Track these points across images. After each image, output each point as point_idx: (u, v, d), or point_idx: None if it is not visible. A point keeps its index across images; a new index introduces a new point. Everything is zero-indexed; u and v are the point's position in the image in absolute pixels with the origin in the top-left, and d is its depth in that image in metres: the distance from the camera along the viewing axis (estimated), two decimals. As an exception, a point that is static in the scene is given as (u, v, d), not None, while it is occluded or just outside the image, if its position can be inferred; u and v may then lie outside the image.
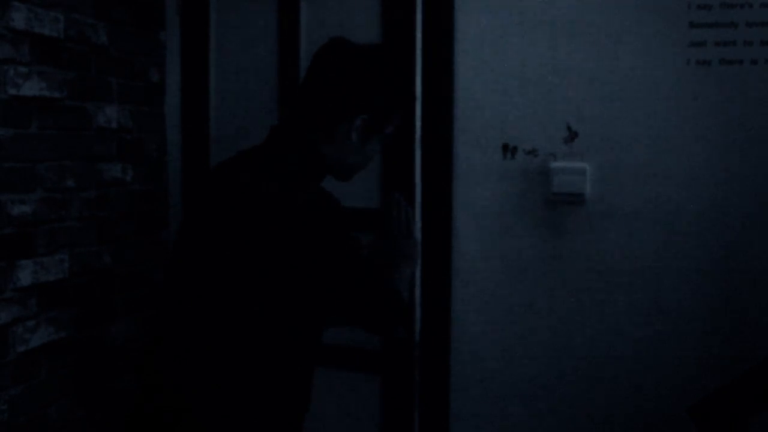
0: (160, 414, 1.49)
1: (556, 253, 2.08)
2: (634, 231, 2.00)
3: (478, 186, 2.15)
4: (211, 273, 1.48)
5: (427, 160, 2.19)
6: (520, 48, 2.08)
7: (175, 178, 2.54)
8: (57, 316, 2.08)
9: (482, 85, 2.12)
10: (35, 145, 1.99)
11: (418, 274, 2.19)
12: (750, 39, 1.88)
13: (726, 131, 1.91)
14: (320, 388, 2.32)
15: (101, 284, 2.25)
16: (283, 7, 2.35)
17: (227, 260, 1.46)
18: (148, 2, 2.44)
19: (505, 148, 2.12)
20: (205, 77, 2.48)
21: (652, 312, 2.00)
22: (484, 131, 2.13)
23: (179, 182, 2.54)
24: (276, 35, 2.38)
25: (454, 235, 2.18)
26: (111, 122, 2.27)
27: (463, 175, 2.16)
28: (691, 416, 1.73)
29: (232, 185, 1.53)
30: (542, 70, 2.06)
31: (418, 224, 2.18)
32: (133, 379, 1.54)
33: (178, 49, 2.51)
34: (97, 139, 2.22)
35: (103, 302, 2.26)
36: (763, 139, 1.89)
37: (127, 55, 2.34)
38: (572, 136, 2.05)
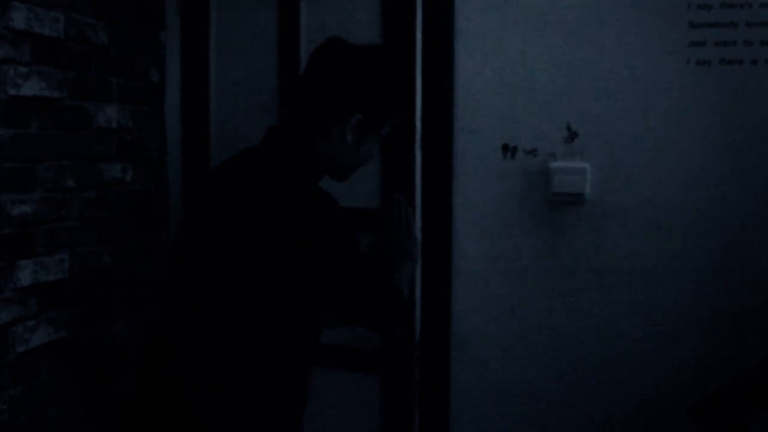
0: (159, 413, 1.49)
1: (556, 253, 2.08)
2: (634, 231, 2.00)
3: (478, 186, 2.15)
4: (210, 272, 1.48)
5: (427, 160, 2.19)
6: (521, 48, 2.08)
7: (175, 178, 2.54)
8: (57, 316, 2.08)
9: (482, 84, 2.12)
10: (35, 145, 1.99)
11: (418, 273, 2.19)
12: (750, 39, 1.88)
13: (726, 131, 1.91)
14: (320, 387, 2.33)
15: (101, 284, 2.25)
16: (283, 7, 2.35)
17: (226, 260, 1.46)
18: (148, 2, 2.44)
19: (505, 148, 2.12)
20: (205, 77, 2.48)
21: (651, 312, 2.00)
22: (484, 131, 2.13)
23: (179, 182, 2.54)
24: (276, 35, 2.38)
25: (454, 234, 2.18)
26: (111, 122, 2.27)
27: (463, 175, 2.16)
28: (691, 416, 1.73)
29: (230, 186, 1.53)
30: (542, 70, 2.06)
31: (418, 224, 2.18)
32: (133, 379, 1.54)
33: (178, 49, 2.51)
34: (97, 139, 2.22)
35: (103, 302, 2.26)
36: (763, 139, 1.89)
37: (127, 55, 2.34)
38: (572, 136, 2.05)
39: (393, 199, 1.77)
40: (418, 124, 2.18)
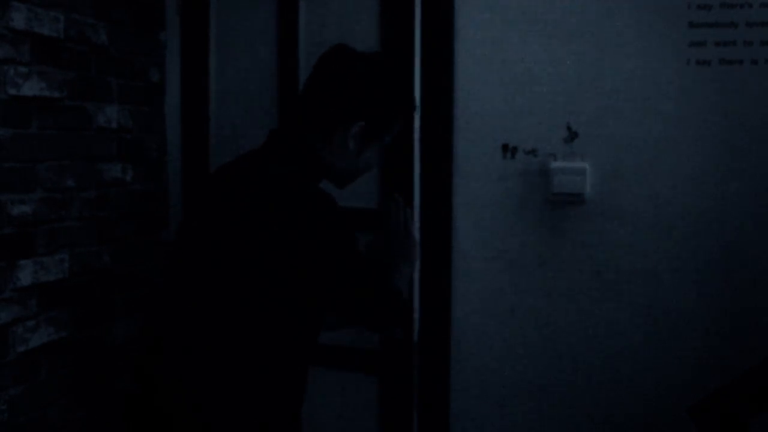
0: (158, 412, 1.49)
1: (556, 253, 2.08)
2: (634, 231, 2.00)
3: (478, 186, 2.15)
4: (209, 272, 1.49)
5: (427, 159, 2.19)
6: (521, 48, 2.08)
7: (175, 178, 2.54)
8: (57, 316, 2.08)
9: (482, 84, 2.12)
10: (35, 145, 1.99)
11: (417, 274, 2.19)
12: (750, 39, 1.88)
13: (726, 131, 1.91)
14: (319, 388, 2.33)
15: (101, 284, 2.25)
16: (282, 8, 2.35)
17: (225, 259, 1.47)
18: (148, 2, 2.44)
19: (505, 148, 2.12)
20: (205, 77, 2.48)
21: (651, 312, 2.00)
22: (484, 131, 2.13)
23: (179, 182, 2.54)
24: (275, 35, 2.38)
25: (454, 234, 2.18)
26: (111, 122, 2.27)
27: (462, 175, 2.16)
28: (691, 416, 1.72)
29: (229, 186, 1.54)
30: (542, 70, 2.06)
31: (417, 224, 2.18)
32: (133, 379, 1.54)
33: (178, 49, 2.51)
34: (97, 139, 2.22)
35: (103, 302, 2.26)
36: (763, 139, 1.89)
37: (127, 55, 2.34)
38: (572, 136, 2.05)
39: (392, 200, 1.77)
40: (418, 123, 2.18)
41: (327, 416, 2.36)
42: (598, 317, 2.05)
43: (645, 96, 1.97)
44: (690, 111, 1.94)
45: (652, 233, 1.99)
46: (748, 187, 1.91)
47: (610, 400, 2.05)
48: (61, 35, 2.06)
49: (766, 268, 1.91)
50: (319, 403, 2.35)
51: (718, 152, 1.92)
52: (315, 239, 1.45)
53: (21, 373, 1.96)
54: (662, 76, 1.95)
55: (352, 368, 2.33)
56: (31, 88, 1.96)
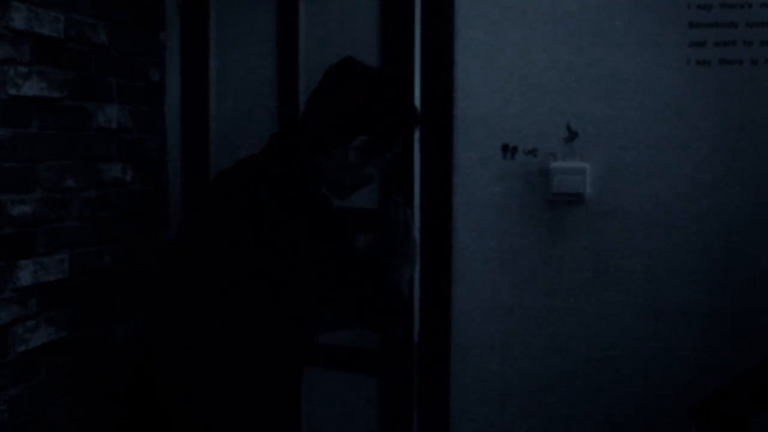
0: (158, 412, 1.49)
1: (556, 253, 2.08)
2: (634, 231, 2.00)
3: (478, 186, 2.15)
4: (206, 272, 1.49)
5: (427, 159, 2.19)
6: (521, 48, 2.08)
7: (175, 178, 2.54)
8: (57, 316, 2.08)
9: (482, 84, 2.12)
10: (35, 145, 1.99)
11: (417, 274, 2.19)
12: (750, 39, 1.88)
13: (726, 131, 1.91)
14: (319, 388, 2.33)
15: (101, 284, 2.25)
16: (282, 8, 2.35)
17: (222, 259, 1.48)
18: (148, 2, 2.44)
19: (505, 148, 2.12)
20: (205, 77, 2.48)
21: (652, 312, 2.00)
22: (484, 131, 2.13)
23: (179, 182, 2.54)
24: (275, 35, 2.38)
25: (454, 235, 2.18)
26: (111, 122, 2.27)
27: (462, 175, 2.16)
28: (691, 416, 1.73)
29: (229, 188, 1.55)
30: (542, 70, 2.06)
31: (417, 224, 2.18)
32: (133, 379, 1.55)
33: (178, 49, 2.51)
34: (97, 139, 2.22)
35: (103, 302, 2.26)
36: (763, 139, 1.89)
37: (127, 55, 2.34)
38: (572, 136, 2.05)
39: (392, 200, 1.77)
40: (418, 124, 2.18)
41: (327, 416, 2.36)
42: (598, 317, 2.05)
43: (645, 96, 1.97)
44: (690, 111, 1.94)
45: (652, 233, 1.99)
46: (748, 187, 1.91)
47: (610, 400, 2.05)
48: (61, 35, 2.06)
49: (766, 268, 1.91)
50: (319, 403, 2.35)
51: (718, 152, 1.92)
52: (312, 239, 1.46)
53: (21, 373, 1.96)
54: (662, 76, 1.95)
55: (352, 368, 2.33)
56: (31, 88, 1.96)
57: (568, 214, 2.07)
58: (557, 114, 2.06)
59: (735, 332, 1.93)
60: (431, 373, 2.22)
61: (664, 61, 1.95)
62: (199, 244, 1.53)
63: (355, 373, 2.33)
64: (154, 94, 2.49)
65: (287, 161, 1.56)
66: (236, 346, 1.47)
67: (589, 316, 2.06)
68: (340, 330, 1.80)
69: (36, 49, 1.97)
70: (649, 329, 2.01)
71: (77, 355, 2.16)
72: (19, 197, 1.94)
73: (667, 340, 1.99)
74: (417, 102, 2.16)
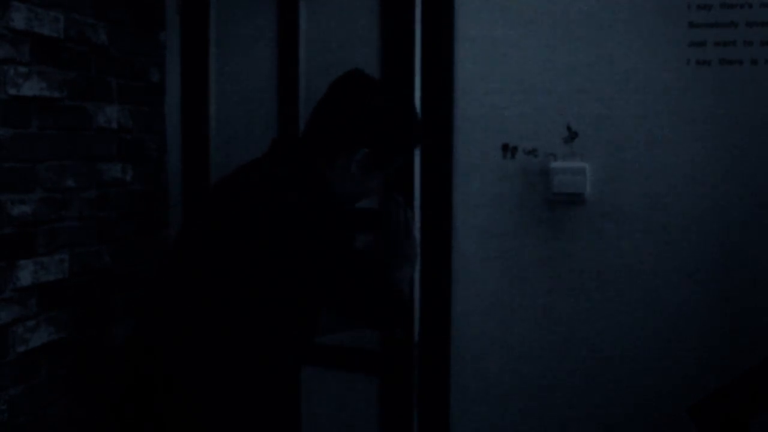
0: (157, 412, 1.49)
1: (556, 253, 2.08)
2: (634, 231, 2.00)
3: (478, 186, 2.15)
4: (207, 272, 1.49)
5: (427, 159, 2.19)
6: (521, 48, 2.08)
7: (175, 178, 2.54)
8: (57, 316, 2.08)
9: (482, 84, 2.12)
10: (35, 145, 1.99)
11: (417, 274, 2.19)
12: (750, 39, 1.88)
13: (726, 131, 1.91)
14: (319, 388, 2.33)
15: (101, 284, 2.25)
16: (282, 8, 2.35)
17: (220, 258, 1.48)
18: (148, 2, 2.44)
19: (505, 148, 2.12)
20: (205, 77, 2.48)
21: (651, 312, 2.00)
22: (484, 131, 2.13)
23: (179, 182, 2.54)
24: (275, 35, 2.38)
25: (454, 234, 2.18)
26: (111, 122, 2.27)
27: (462, 175, 2.16)
28: (691, 416, 1.73)
29: (231, 190, 1.56)
30: (542, 70, 2.06)
31: (417, 224, 2.18)
32: (131, 379, 1.55)
33: (178, 49, 2.51)
34: (97, 139, 2.22)
35: (103, 302, 2.26)
36: (763, 139, 1.89)
37: (127, 55, 2.34)
38: (572, 136, 2.05)
39: (392, 200, 1.77)
40: (418, 124, 2.18)
41: (327, 416, 2.36)
42: (598, 317, 2.05)
43: (645, 96, 1.97)
44: (690, 111, 1.94)
45: (651, 233, 1.99)
46: (748, 187, 1.90)
47: (611, 400, 2.05)
48: (61, 35, 2.06)
49: (766, 268, 1.91)
50: (319, 403, 2.35)
51: (718, 152, 1.92)
52: (312, 239, 1.46)
53: (21, 373, 1.96)
54: (662, 76, 1.95)
55: (352, 368, 2.33)
56: (31, 88, 1.96)
57: (568, 214, 2.07)
58: (557, 114, 2.06)
59: (735, 332, 1.93)
60: (431, 372, 2.22)
61: (664, 61, 1.95)
62: (202, 245, 1.53)
63: (355, 373, 2.33)
64: (154, 94, 2.49)
65: (291, 166, 1.56)
66: (236, 346, 1.47)
67: (589, 316, 2.06)
68: (342, 331, 1.80)
69: (36, 49, 1.97)
70: (648, 329, 2.01)
71: (77, 355, 2.16)
72: (19, 197, 1.94)
73: (667, 340, 1.99)
74: (417, 102, 2.16)
